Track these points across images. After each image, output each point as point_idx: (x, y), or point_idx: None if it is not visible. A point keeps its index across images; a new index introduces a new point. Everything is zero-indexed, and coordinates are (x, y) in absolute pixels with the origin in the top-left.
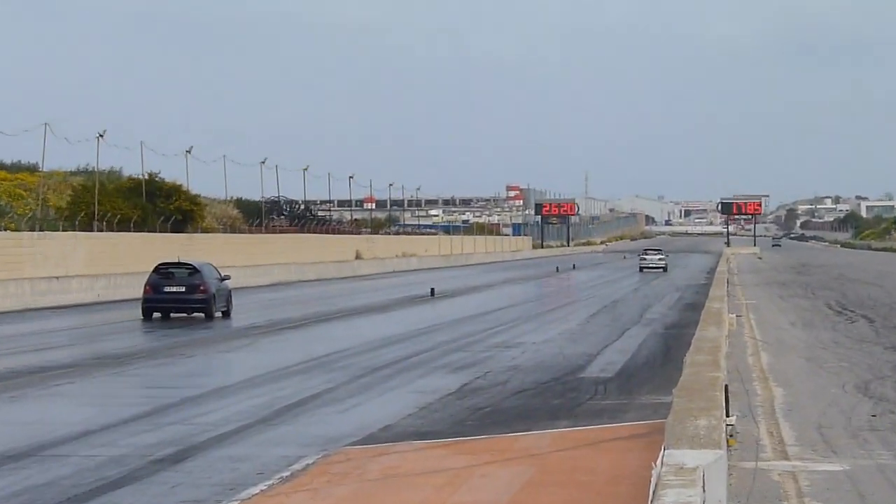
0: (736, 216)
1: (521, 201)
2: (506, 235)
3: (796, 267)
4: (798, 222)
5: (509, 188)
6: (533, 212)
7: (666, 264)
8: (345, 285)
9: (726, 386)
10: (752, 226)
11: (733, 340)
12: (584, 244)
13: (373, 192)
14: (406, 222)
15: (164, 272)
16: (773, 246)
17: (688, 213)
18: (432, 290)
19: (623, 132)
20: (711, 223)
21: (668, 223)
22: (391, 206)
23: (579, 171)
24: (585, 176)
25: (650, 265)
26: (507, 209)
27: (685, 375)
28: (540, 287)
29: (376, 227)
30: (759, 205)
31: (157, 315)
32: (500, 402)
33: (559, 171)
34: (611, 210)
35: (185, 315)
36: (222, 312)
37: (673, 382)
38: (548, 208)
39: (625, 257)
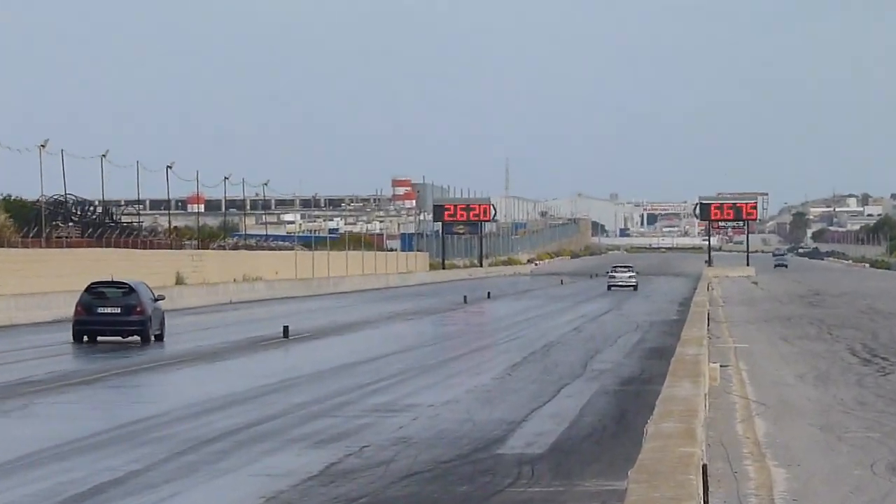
0: (721, 223)
1: (414, 201)
2: (392, 251)
3: (807, 296)
4: (809, 231)
5: (397, 183)
6: (431, 217)
7: (636, 282)
8: None
9: (705, 466)
10: (744, 237)
11: (716, 401)
12: (503, 263)
13: (201, 188)
14: (249, 231)
15: (96, 292)
16: (776, 266)
17: (652, 220)
18: (286, 328)
19: (562, 109)
20: (686, 233)
21: (624, 233)
22: (227, 208)
23: (498, 162)
24: (506, 166)
25: (619, 283)
26: (395, 213)
27: (646, 451)
28: (440, 325)
29: (207, 239)
30: (755, 207)
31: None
32: (383, 491)
33: (470, 162)
34: (543, 214)
35: (119, 339)
36: (155, 336)
37: (629, 462)
38: (451, 211)
39: (562, 282)
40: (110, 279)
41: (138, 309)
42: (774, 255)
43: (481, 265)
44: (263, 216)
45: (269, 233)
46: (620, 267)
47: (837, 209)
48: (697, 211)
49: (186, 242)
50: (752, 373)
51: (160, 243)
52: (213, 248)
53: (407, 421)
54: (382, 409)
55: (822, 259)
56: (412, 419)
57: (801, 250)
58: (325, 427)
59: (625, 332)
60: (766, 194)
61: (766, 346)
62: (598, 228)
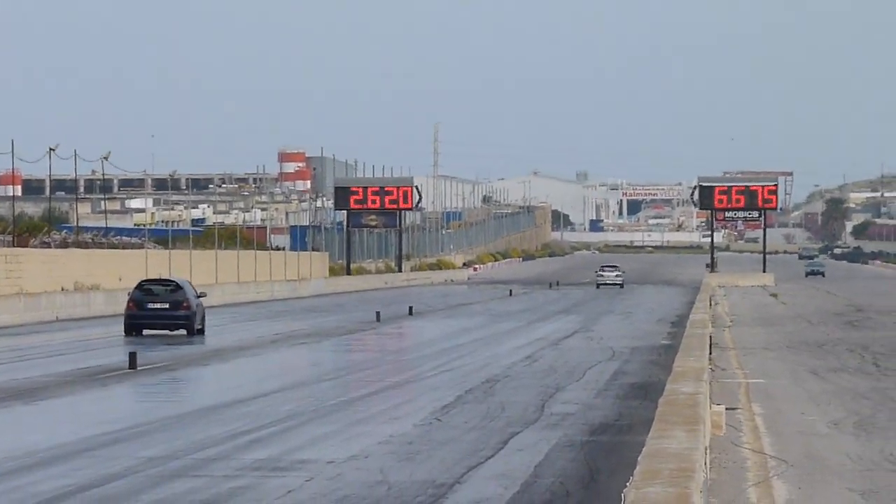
0: (729, 213)
1: (309, 182)
2: (279, 249)
3: (845, 313)
4: (849, 225)
5: (285, 157)
6: (332, 203)
7: (623, 281)
8: None
9: None
10: (760, 232)
11: (721, 457)
12: (431, 267)
13: (17, 163)
14: (84, 223)
15: (146, 288)
16: (808, 273)
17: (635, 208)
18: (132, 355)
19: (510, 58)
20: (681, 226)
21: (596, 225)
22: (53, 191)
23: (423, 130)
24: (435, 135)
25: (607, 282)
26: (283, 197)
27: None
28: (344, 351)
29: (25, 233)
30: (775, 191)
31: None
32: None
33: (386, 130)
34: (485, 200)
35: (167, 332)
36: (197, 330)
37: None
38: (360, 196)
39: (511, 293)
40: (159, 276)
41: (185, 304)
42: (802, 256)
43: (400, 270)
44: (103, 202)
45: (109, 225)
46: (608, 266)
47: (886, 194)
48: (696, 196)
49: None
50: (769, 418)
51: None
52: (35, 246)
53: (298, 483)
54: (264, 466)
55: (866, 263)
56: (305, 481)
57: (837, 251)
58: (186, 491)
59: (596, 361)
60: (791, 174)
61: (790, 381)
62: (560, 220)
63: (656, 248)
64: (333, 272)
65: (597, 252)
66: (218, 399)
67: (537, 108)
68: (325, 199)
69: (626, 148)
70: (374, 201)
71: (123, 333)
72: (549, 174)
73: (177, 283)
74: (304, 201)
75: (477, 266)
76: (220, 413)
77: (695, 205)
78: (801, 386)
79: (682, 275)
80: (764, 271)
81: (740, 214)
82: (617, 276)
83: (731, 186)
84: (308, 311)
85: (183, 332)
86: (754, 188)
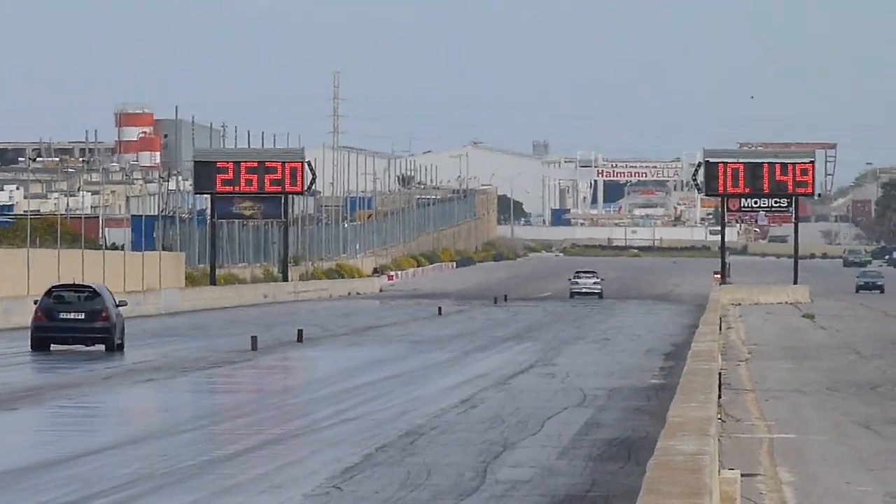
0: (746, 200)
1: (159, 155)
2: (116, 248)
3: None
4: None
5: (126, 120)
6: (191, 185)
7: (601, 289)
8: None
9: None
10: (789, 227)
11: None
12: (329, 274)
13: None
14: None
15: (56, 295)
16: (861, 287)
17: (615, 192)
18: None
19: None
20: (680, 218)
21: (561, 216)
22: None
23: (319, 83)
24: (335, 92)
25: (583, 290)
26: (122, 176)
27: None
28: (207, 391)
29: None
30: (809, 169)
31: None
32: None
33: (267, 85)
34: (405, 182)
35: (82, 347)
36: (117, 345)
37: None
38: (229, 175)
39: (440, 311)
40: (72, 281)
41: (104, 315)
42: (848, 262)
43: (286, 278)
44: None
45: None
46: (584, 272)
47: None
48: (700, 177)
49: None
50: (802, 489)
51: None
52: None
53: None
54: None
55: None
56: None
57: None
58: None
59: (560, 408)
60: (833, 147)
61: (831, 437)
62: (510, 209)
63: (645, 249)
64: (192, 281)
65: (561, 255)
66: (32, 458)
67: (477, 53)
68: (180, 178)
69: (603, 109)
70: (249, 182)
71: (30, 348)
72: (494, 146)
73: (94, 290)
74: (151, 181)
75: (393, 274)
76: (34, 477)
77: (698, 189)
78: (846, 443)
79: (681, 287)
80: (795, 282)
81: (762, 203)
82: (595, 283)
83: (750, 163)
84: (156, 336)
85: (101, 347)
86: (782, 166)
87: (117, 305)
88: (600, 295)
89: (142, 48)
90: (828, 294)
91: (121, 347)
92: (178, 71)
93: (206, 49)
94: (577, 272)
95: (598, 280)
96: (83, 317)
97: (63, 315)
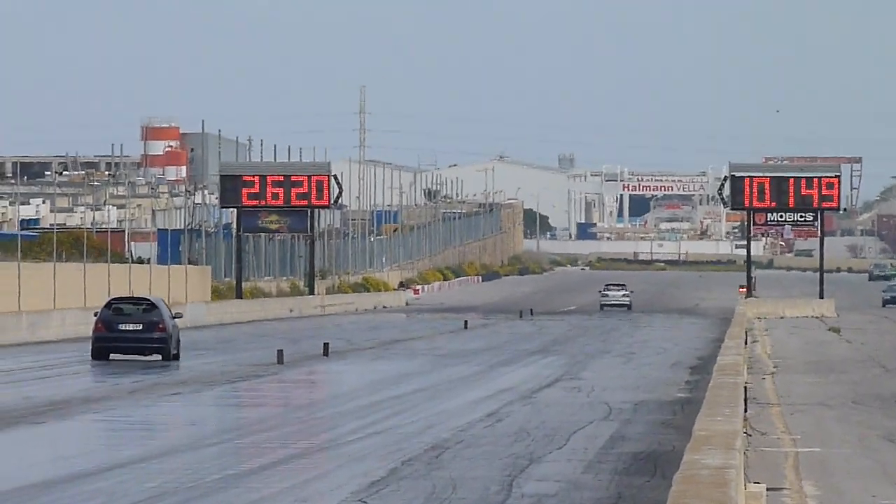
0: (772, 214)
1: (185, 169)
2: (142, 262)
3: None
4: None
5: (152, 134)
6: (217, 198)
7: (630, 301)
8: None
9: None
10: (815, 241)
11: None
12: (355, 288)
13: None
14: None
15: (116, 307)
16: (887, 302)
17: (641, 206)
18: None
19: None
20: (706, 232)
21: (586, 230)
22: None
23: (346, 98)
24: (361, 106)
25: (612, 302)
26: (148, 190)
27: None
28: (233, 405)
29: None
30: (835, 183)
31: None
32: None
33: (294, 100)
34: (431, 196)
35: (140, 357)
36: (173, 355)
37: None
38: (255, 188)
39: (466, 324)
40: (130, 294)
41: (160, 326)
42: (874, 276)
43: (312, 292)
44: None
45: None
46: (613, 285)
47: None
48: (726, 191)
49: None
50: (828, 503)
51: None
52: None
53: None
54: None
55: None
56: None
57: None
58: None
59: (586, 421)
60: (859, 161)
61: (857, 451)
62: (536, 223)
63: (670, 262)
64: (218, 294)
65: (587, 268)
66: (55, 472)
67: (504, 66)
68: (206, 192)
69: (629, 123)
70: (275, 196)
71: (90, 357)
72: (520, 160)
73: (151, 302)
74: (177, 195)
75: (419, 287)
76: (58, 491)
77: (724, 203)
78: (872, 457)
79: (707, 300)
80: (821, 297)
81: (788, 217)
82: (624, 295)
83: (776, 178)
84: (182, 349)
85: (157, 356)
86: (808, 180)
87: (173, 317)
88: (629, 307)
89: (168, 61)
90: (853, 308)
91: (176, 357)
92: (204, 84)
93: (232, 63)
94: (607, 285)
95: (628, 293)
96: (141, 328)
97: (122, 326)
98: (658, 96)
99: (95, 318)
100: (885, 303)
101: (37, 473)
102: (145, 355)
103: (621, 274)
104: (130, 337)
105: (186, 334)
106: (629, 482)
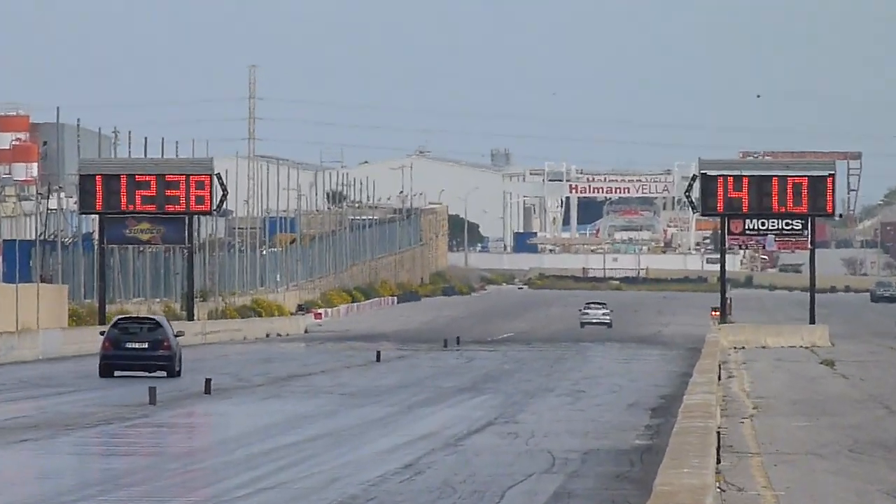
0: (752, 221)
1: (37, 166)
2: None
3: None
4: None
5: None
6: (76, 202)
7: (611, 320)
8: None
9: None
10: (804, 254)
11: None
12: (244, 312)
13: None
14: None
15: (122, 326)
16: None
17: (592, 212)
18: None
19: None
20: (671, 244)
21: (525, 241)
22: None
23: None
24: (251, 82)
25: (592, 320)
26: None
27: None
28: (98, 455)
29: None
30: (828, 182)
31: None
32: None
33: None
34: (335, 200)
35: (145, 374)
36: (177, 372)
37: None
38: (123, 190)
39: (378, 356)
40: (136, 314)
41: (166, 344)
42: (877, 296)
43: (192, 317)
44: None
45: None
46: (594, 303)
47: None
48: (695, 193)
49: None
50: None
51: None
52: None
53: None
54: None
55: None
56: None
57: None
58: None
59: (524, 475)
60: (858, 157)
61: None
62: (464, 232)
63: (627, 280)
64: (78, 319)
65: (525, 287)
66: None
67: (423, 49)
68: (63, 194)
69: (576, 113)
70: (146, 200)
71: (98, 374)
72: (444, 155)
73: (156, 321)
74: (27, 199)
75: (321, 311)
76: None
77: (693, 208)
78: None
79: (671, 326)
80: (812, 322)
81: (771, 225)
82: (605, 314)
83: (756, 177)
84: (33, 386)
85: (162, 373)
86: (795, 179)
87: (175, 336)
88: (609, 325)
89: (15, 37)
90: (852, 336)
91: (179, 374)
92: (59, 65)
93: (94, 40)
94: (588, 303)
95: (608, 311)
96: (147, 346)
97: (128, 344)
98: (611, 80)
99: (103, 337)
100: None
101: None
102: (150, 372)
103: (565, 294)
104: (137, 355)
105: (37, 367)
106: None
